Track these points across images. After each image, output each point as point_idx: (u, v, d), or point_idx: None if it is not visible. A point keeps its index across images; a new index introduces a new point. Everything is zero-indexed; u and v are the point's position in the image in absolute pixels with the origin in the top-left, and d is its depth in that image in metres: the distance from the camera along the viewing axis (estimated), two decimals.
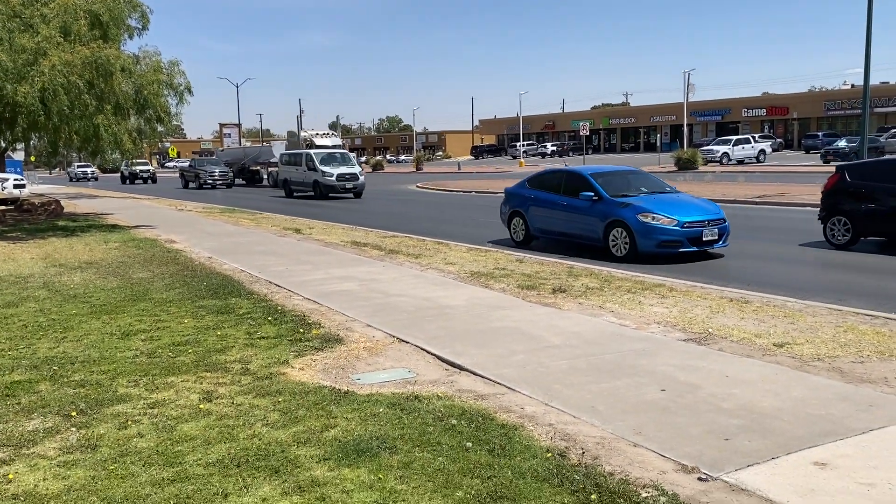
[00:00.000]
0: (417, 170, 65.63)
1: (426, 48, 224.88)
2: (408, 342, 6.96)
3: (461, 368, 6.11)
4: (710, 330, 7.16)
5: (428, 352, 6.61)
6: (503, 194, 15.41)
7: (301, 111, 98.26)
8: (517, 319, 7.72)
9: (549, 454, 4.30)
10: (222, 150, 61.29)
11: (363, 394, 5.47)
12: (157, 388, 5.69)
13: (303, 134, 42.53)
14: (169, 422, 4.95)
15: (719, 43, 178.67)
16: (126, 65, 17.77)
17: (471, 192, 33.66)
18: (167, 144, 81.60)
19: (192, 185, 46.15)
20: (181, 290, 9.79)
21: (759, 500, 3.70)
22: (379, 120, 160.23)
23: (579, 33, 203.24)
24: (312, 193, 31.64)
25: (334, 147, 39.81)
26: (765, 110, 72.63)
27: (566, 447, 4.42)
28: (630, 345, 6.66)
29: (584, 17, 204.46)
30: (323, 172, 30.98)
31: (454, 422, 4.80)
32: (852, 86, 72.02)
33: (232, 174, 46.22)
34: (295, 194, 33.33)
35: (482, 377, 5.85)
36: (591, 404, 5.14)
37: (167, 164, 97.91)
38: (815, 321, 7.45)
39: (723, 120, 75.14)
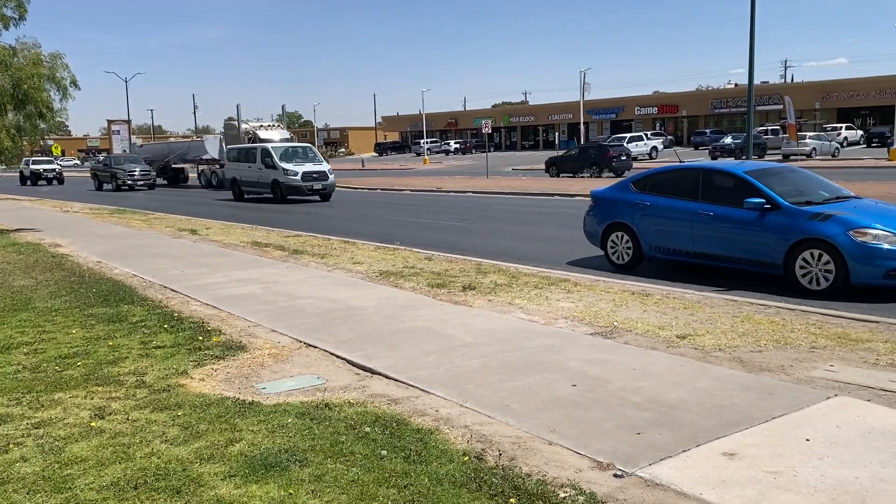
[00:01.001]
0: None
1: (326, 43, 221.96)
2: (316, 347, 6.73)
3: (373, 372, 5.95)
4: (615, 323, 7.29)
5: (337, 356, 6.41)
6: (591, 200, 11.80)
7: (195, 106, 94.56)
8: (428, 319, 7.62)
9: (466, 458, 4.22)
10: (141, 146, 53.84)
11: (269, 404, 5.22)
12: (43, 405, 5.25)
13: (244, 126, 36.63)
14: (56, 443, 4.56)
15: (613, 43, 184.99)
16: (2, 57, 16.54)
17: (376, 188, 33.44)
18: (50, 142, 75.95)
19: (107, 186, 41.19)
20: (68, 297, 9.16)
21: (674, 494, 3.73)
22: (278, 115, 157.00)
23: (479, 32, 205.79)
24: (271, 195, 27.21)
25: (282, 141, 34.85)
26: (656, 108, 75.68)
27: (483, 449, 4.35)
28: (540, 340, 6.68)
29: (483, 16, 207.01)
30: (285, 171, 26.43)
31: (367, 429, 4.65)
32: (736, 85, 76.10)
33: (154, 173, 41.50)
34: (246, 196, 29.11)
35: (395, 380, 5.71)
36: (505, 403, 5.10)
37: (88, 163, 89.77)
38: (713, 312, 7.71)
39: (617, 118, 77.78)
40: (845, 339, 6.52)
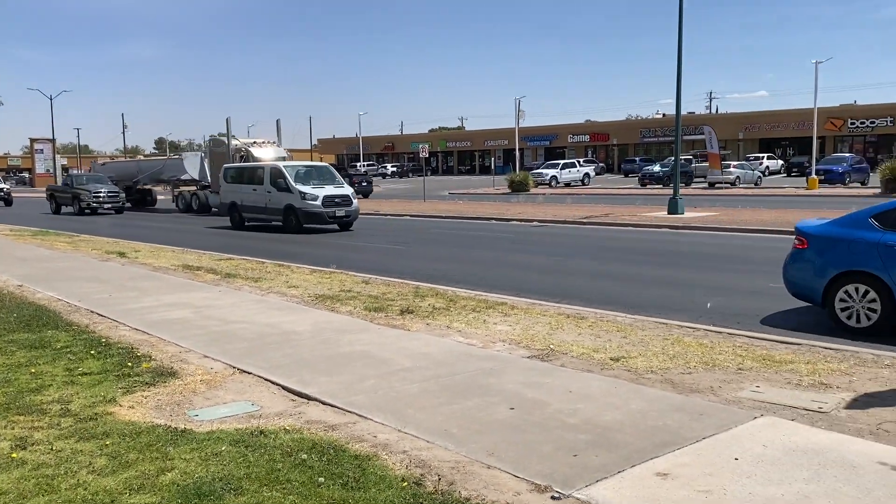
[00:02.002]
0: None
1: (261, 64, 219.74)
2: (250, 372, 6.60)
3: (309, 398, 5.86)
4: (551, 346, 7.39)
5: (273, 382, 6.30)
6: (801, 240, 8.81)
7: (125, 126, 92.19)
8: (366, 343, 7.57)
9: (405, 483, 4.19)
10: (104, 164, 46.35)
11: (202, 431, 5.09)
12: None
13: (234, 143, 31.57)
14: None
15: (547, 72, 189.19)
16: None
17: None
18: None
19: (67, 208, 35.59)
20: None
21: None
22: (211, 136, 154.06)
23: (417, 58, 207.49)
24: (281, 223, 22.80)
25: (278, 160, 29.94)
26: (588, 136, 77.69)
27: (422, 474, 4.33)
28: (478, 364, 6.72)
29: (420, 42, 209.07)
30: (302, 194, 21.97)
31: (304, 456, 4.57)
32: (664, 115, 78.71)
33: (123, 195, 36.04)
34: (247, 223, 24.61)
35: (332, 406, 5.64)
36: (444, 427, 5.10)
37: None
38: (645, 335, 7.90)
39: (551, 145, 79.45)
40: (770, 360, 6.78)
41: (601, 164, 71.26)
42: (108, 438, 4.91)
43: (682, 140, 27.24)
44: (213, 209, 31.53)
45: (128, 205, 37.21)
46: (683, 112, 29.31)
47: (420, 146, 46.31)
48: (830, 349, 7.18)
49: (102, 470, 4.40)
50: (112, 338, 7.96)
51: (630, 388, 5.96)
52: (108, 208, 34.71)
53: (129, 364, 6.82)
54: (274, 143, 32.34)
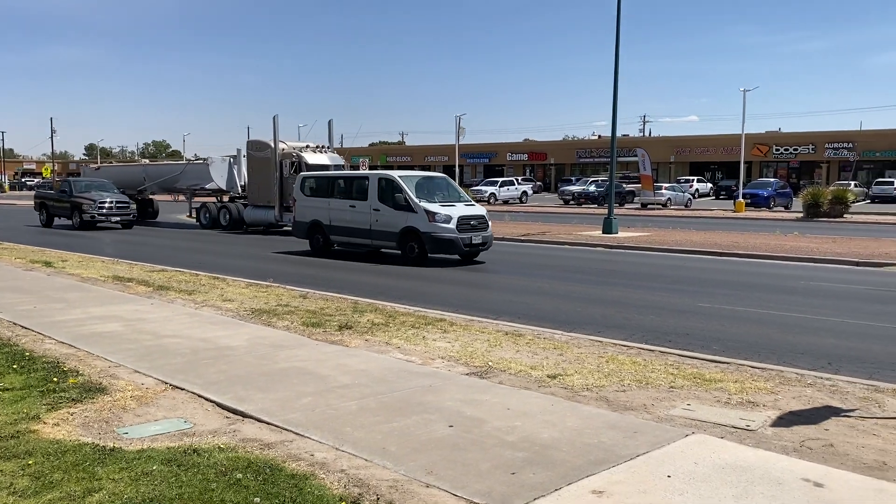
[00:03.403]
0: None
1: (196, 70, 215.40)
2: (183, 389, 6.43)
3: (244, 415, 5.75)
4: (490, 363, 7.44)
5: (207, 399, 6.15)
6: None
7: (53, 130, 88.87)
8: (304, 359, 7.47)
9: (343, 503, 4.15)
10: (97, 168, 38.86)
11: (132, 450, 4.93)
12: None
13: (282, 147, 26.32)
14: None
15: (487, 91, 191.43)
16: None
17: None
18: None
19: (61, 219, 29.67)
20: None
21: None
22: (144, 144, 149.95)
23: (358, 72, 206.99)
24: (396, 251, 17.67)
25: (336, 168, 25.78)
26: (527, 155, 78.88)
27: (360, 494, 4.29)
28: (417, 381, 6.71)
29: (361, 56, 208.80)
30: (430, 214, 16.72)
31: (239, 475, 4.47)
32: (599, 136, 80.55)
33: (134, 206, 29.99)
34: (336, 246, 19.49)
35: (268, 424, 5.54)
36: (382, 446, 5.07)
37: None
38: (580, 352, 8.04)
39: (490, 162, 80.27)
40: (700, 379, 6.98)
41: (539, 183, 72.38)
42: (31, 458, 4.70)
43: (616, 161, 27.90)
44: (246, 226, 27.92)
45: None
46: (618, 134, 30.10)
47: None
48: (757, 368, 7.45)
49: (24, 491, 4.21)
50: (36, 351, 7.64)
51: (567, 406, 6.05)
52: (115, 221, 28.54)
53: (55, 379, 6.56)
54: (329, 148, 27.65)
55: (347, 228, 18.69)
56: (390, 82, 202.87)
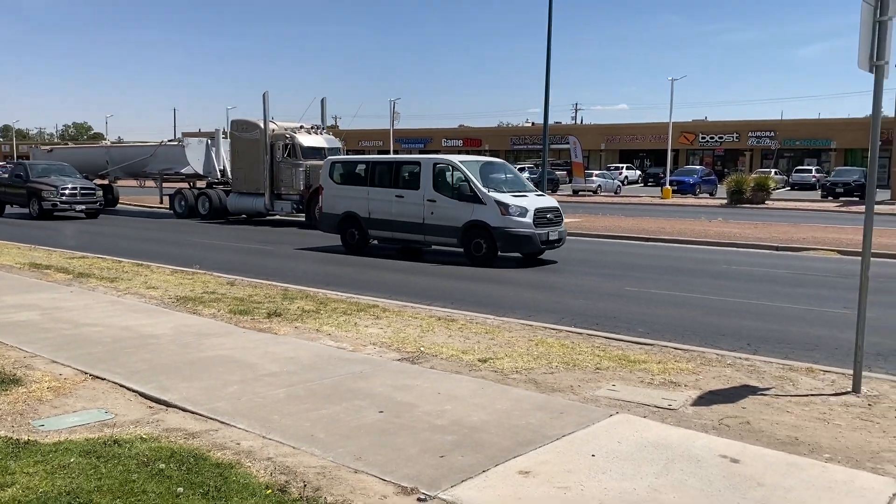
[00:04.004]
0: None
1: (120, 52, 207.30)
2: (104, 379, 6.22)
3: (168, 405, 5.60)
4: (422, 349, 7.45)
5: (129, 388, 5.97)
6: None
7: None
8: (230, 347, 7.33)
9: (269, 491, 4.10)
10: (50, 150, 34.48)
11: (49, 442, 4.74)
12: None
13: (272, 127, 23.96)
14: None
15: (422, 76, 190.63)
16: None
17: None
18: None
19: (12, 209, 26.99)
20: None
21: None
22: (64, 126, 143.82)
23: (286, 51, 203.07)
24: (458, 248, 15.18)
25: (332, 151, 23.43)
26: (461, 141, 79.08)
27: (286, 481, 4.25)
28: (348, 367, 6.67)
29: (288, 35, 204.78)
30: (503, 207, 14.38)
31: (162, 466, 4.36)
32: (533, 123, 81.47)
33: (101, 192, 27.17)
34: (375, 242, 16.99)
35: (193, 413, 5.42)
36: (310, 433, 5.02)
37: None
38: (511, 336, 8.13)
39: (425, 148, 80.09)
40: (625, 360, 7.16)
41: None
42: None
43: (549, 148, 28.23)
44: (228, 215, 25.73)
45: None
46: (550, 122, 30.46)
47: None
48: (680, 349, 7.68)
49: None
50: None
51: (496, 389, 6.11)
52: (79, 210, 25.63)
53: None
54: (322, 128, 25.29)
55: (392, 222, 15.95)
56: (322, 65, 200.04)
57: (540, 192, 16.73)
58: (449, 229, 15.04)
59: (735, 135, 65.77)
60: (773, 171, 54.01)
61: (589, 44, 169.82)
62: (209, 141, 27.65)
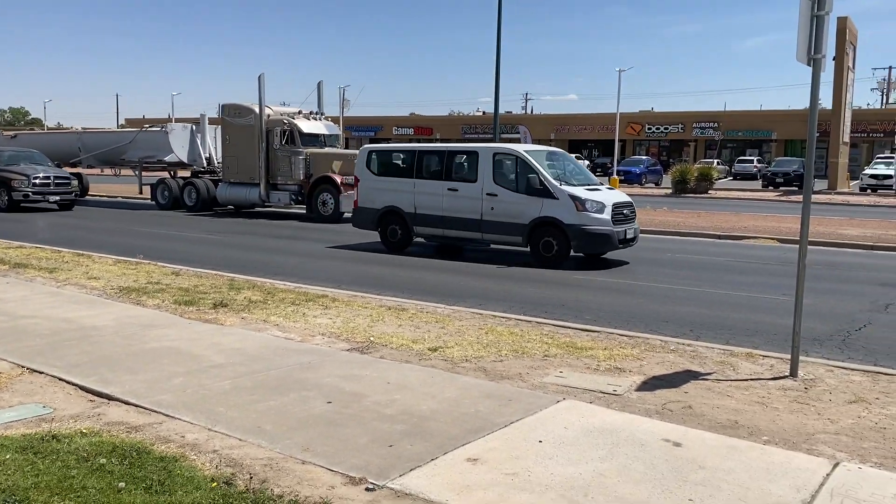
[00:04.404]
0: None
1: (61, 36, 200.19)
2: (42, 372, 6.03)
3: (110, 398, 5.47)
4: (371, 339, 7.43)
5: (68, 382, 5.81)
6: None
7: None
8: (175, 339, 7.18)
9: (215, 484, 4.04)
10: (14, 136, 31.46)
11: None
12: None
13: (268, 112, 22.56)
14: None
15: (372, 63, 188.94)
16: None
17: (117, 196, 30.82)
18: None
19: None
20: None
21: (422, 503, 3.89)
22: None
23: (230, 37, 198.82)
24: (523, 247, 13.72)
25: (332, 138, 23.06)
26: (413, 130, 78.79)
27: (233, 474, 4.19)
28: (296, 358, 6.61)
29: (236, 22, 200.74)
30: (578, 202, 13.00)
31: (103, 461, 4.26)
32: (484, 113, 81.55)
33: (76, 182, 25.40)
34: (415, 237, 15.25)
35: (136, 406, 5.30)
36: (257, 424, 4.96)
37: None
38: (462, 325, 8.17)
39: (376, 136, 79.54)
40: (572, 347, 7.26)
41: None
42: None
43: (500, 138, 28.36)
44: (216, 207, 24.33)
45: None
46: (501, 111, 30.54)
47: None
48: (625, 336, 7.83)
49: None
50: None
51: (446, 378, 6.14)
52: (53, 201, 23.61)
53: None
54: (321, 114, 23.84)
55: (443, 218, 14.30)
56: (270, 51, 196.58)
57: (610, 186, 15.80)
58: (512, 226, 13.50)
59: (680, 126, 67.05)
60: (715, 161, 55.22)
61: (539, 34, 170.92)
62: (194, 127, 25.93)
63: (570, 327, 8.22)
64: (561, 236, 13.11)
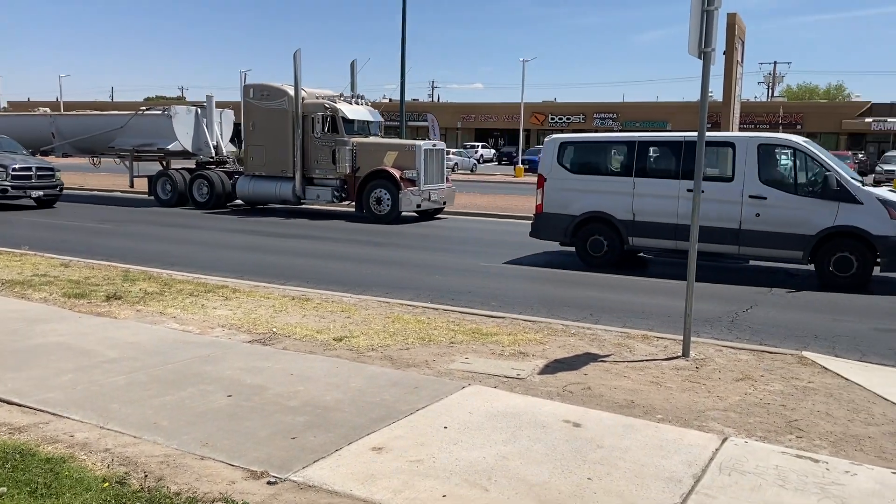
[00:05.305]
0: None
1: None
2: None
3: None
4: (274, 329, 7.28)
5: None
6: None
7: None
8: (64, 333, 6.81)
9: (107, 484, 3.86)
10: None
11: None
12: None
13: (303, 95, 19.47)
14: None
15: (274, 45, 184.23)
16: None
17: None
18: None
19: None
20: None
21: (326, 494, 3.84)
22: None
23: (128, 21, 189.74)
24: (803, 264, 11.12)
25: (376, 125, 20.58)
26: None
27: (126, 472, 4.02)
28: (195, 351, 6.39)
29: (136, 4, 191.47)
30: (890, 207, 10.47)
31: None
32: (391, 100, 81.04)
33: (59, 173, 20.73)
34: (642, 254, 13.02)
35: (20, 406, 4.99)
36: (153, 420, 4.77)
37: None
38: (368, 314, 8.11)
39: None
40: (478, 333, 7.34)
41: None
42: None
43: (407, 126, 28.30)
44: (230, 203, 21.33)
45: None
46: (408, 99, 30.48)
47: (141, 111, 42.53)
48: (529, 321, 7.98)
49: None
50: None
51: (351, 367, 6.08)
52: (35, 197, 19.86)
53: None
54: (362, 98, 20.92)
55: (677, 227, 11.39)
56: (165, 32, 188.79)
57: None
58: (789, 238, 10.88)
59: (581, 116, 68.82)
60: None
61: (444, 22, 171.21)
62: (199, 111, 22.49)
63: (476, 314, 8.31)
64: (864, 251, 10.56)
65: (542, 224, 12.86)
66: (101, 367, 5.87)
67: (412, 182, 17.97)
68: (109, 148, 23.22)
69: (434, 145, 19.25)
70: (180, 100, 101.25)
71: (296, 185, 19.44)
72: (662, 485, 4.02)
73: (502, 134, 71.74)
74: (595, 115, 68.08)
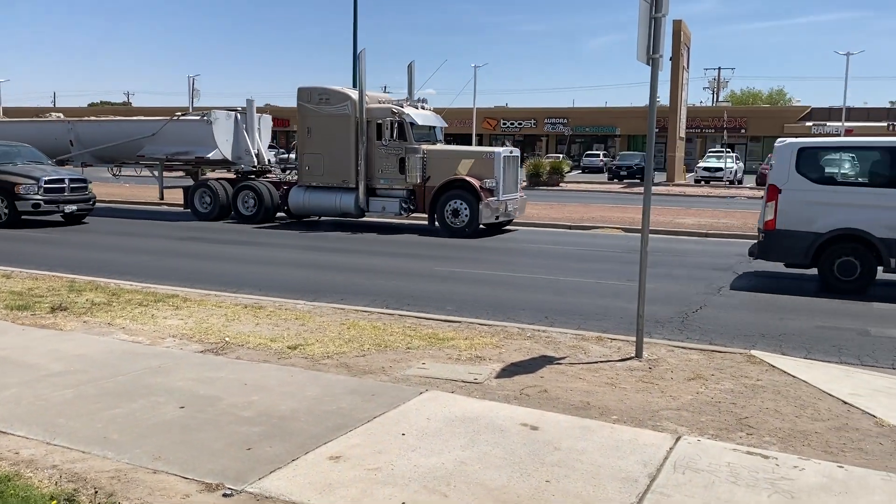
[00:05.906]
0: None
1: None
2: None
3: None
4: (227, 339, 7.16)
5: None
6: None
7: None
8: (6, 347, 6.58)
9: (55, 502, 3.73)
10: None
11: None
12: None
13: (367, 99, 18.03)
14: None
15: (222, 53, 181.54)
16: None
17: None
18: None
19: None
20: None
21: None
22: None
23: (69, 25, 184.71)
24: None
25: (440, 131, 19.39)
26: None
27: (75, 489, 3.90)
28: (145, 363, 6.24)
29: (75, 8, 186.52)
30: None
31: None
32: None
33: (91, 185, 18.88)
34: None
35: None
36: (103, 435, 4.64)
37: None
38: (323, 321, 8.04)
39: None
40: (435, 338, 7.34)
41: (282, 150, 70.86)
42: None
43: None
44: (277, 217, 19.66)
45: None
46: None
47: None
48: (485, 325, 8.01)
49: None
50: None
51: (307, 376, 6.02)
52: (68, 212, 17.65)
53: None
54: (425, 103, 19.34)
55: None
56: (111, 38, 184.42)
57: None
58: None
59: (533, 121, 69.54)
60: (562, 155, 57.71)
61: (395, 28, 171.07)
62: (238, 116, 20.44)
63: (432, 319, 8.30)
64: None
65: (776, 243, 10.90)
66: (46, 380, 5.69)
67: (490, 192, 16.75)
68: (139, 157, 21.07)
69: (511, 152, 17.94)
70: (126, 105, 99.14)
71: (359, 196, 17.90)
72: (619, 485, 4.08)
73: (455, 139, 71.93)
74: (546, 120, 68.87)
